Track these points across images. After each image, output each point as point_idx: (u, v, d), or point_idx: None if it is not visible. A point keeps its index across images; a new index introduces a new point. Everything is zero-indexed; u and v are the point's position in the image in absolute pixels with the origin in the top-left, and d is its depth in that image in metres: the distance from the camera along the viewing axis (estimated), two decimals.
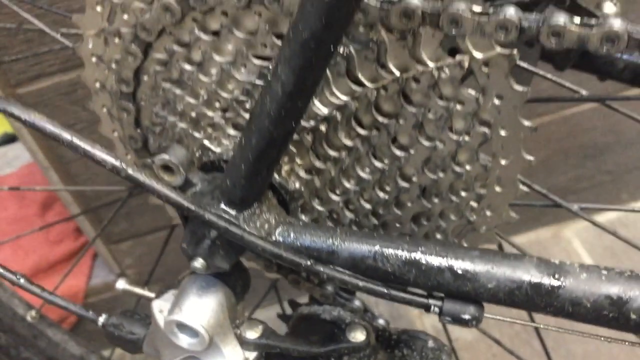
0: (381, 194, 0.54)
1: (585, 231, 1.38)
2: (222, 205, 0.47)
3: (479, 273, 0.46)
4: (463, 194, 0.54)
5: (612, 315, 0.44)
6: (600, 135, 1.26)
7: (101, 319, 0.64)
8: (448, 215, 0.56)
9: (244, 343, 0.55)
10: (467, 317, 0.47)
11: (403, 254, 0.47)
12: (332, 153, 0.52)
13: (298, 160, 0.52)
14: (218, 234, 0.47)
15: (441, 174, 0.53)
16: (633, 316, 0.43)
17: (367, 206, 0.55)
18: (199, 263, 0.49)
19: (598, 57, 0.64)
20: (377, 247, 0.47)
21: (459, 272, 0.46)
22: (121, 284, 0.60)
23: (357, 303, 0.66)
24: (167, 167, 0.49)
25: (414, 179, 0.53)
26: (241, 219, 0.47)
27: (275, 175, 0.52)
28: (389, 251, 0.47)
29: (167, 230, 1.13)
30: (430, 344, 0.60)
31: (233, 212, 0.47)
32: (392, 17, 0.44)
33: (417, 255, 0.46)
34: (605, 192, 1.35)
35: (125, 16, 0.53)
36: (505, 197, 0.54)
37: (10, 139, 1.75)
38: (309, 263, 0.47)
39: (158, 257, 0.90)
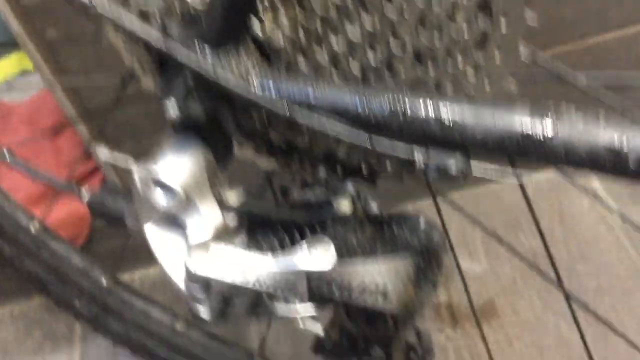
0: (371, 57, 0.51)
1: None
2: (197, 44, 0.44)
3: (467, 121, 0.42)
4: (459, 60, 0.51)
5: (608, 161, 0.40)
6: None
7: (85, 195, 0.62)
8: (444, 85, 0.53)
9: (223, 207, 0.53)
10: (453, 167, 0.44)
11: (388, 101, 0.44)
12: (319, 5, 0.48)
13: (283, 12, 0.49)
14: (191, 74, 0.45)
15: (436, 36, 0.49)
16: (631, 164, 0.40)
17: (356, 70, 0.52)
18: (172, 106, 0.46)
19: None
20: (360, 95, 0.44)
21: (445, 120, 0.43)
22: (103, 152, 0.58)
23: (350, 188, 0.64)
24: (143, 12, 0.46)
25: (407, 40, 0.50)
26: (215, 55, 0.44)
27: (259, 29, 0.49)
28: (373, 99, 0.44)
29: None
30: (422, 224, 0.57)
31: (206, 48, 0.44)
32: None
33: (402, 104, 0.43)
34: None
35: None
36: (505, 63, 0.51)
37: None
38: (286, 106, 0.44)
39: None
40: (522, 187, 0.68)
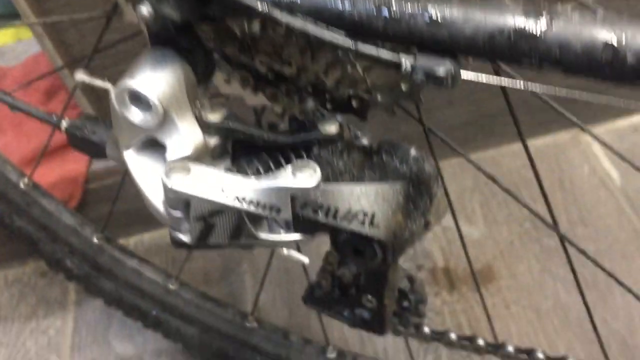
0: None
1: (606, 134, 1.30)
2: None
3: (455, 17, 0.40)
4: None
5: (605, 60, 0.38)
6: None
7: (64, 122, 0.60)
8: None
9: (203, 125, 0.50)
10: (442, 71, 0.41)
11: None
12: None
13: None
14: None
15: None
16: (630, 60, 0.37)
17: None
18: (145, 7, 0.44)
19: None
20: None
21: (434, 17, 0.40)
22: (80, 76, 0.56)
23: (338, 119, 0.61)
24: None
25: None
26: None
27: None
28: None
29: None
30: (413, 152, 0.55)
31: None
32: None
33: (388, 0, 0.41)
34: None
35: None
36: None
37: None
38: (265, 6, 0.42)
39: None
40: (525, 147, 0.65)
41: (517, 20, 0.39)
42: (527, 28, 0.39)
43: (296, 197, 0.48)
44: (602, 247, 1.14)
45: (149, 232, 1.35)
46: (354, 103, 0.59)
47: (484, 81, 0.42)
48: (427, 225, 0.56)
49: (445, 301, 1.14)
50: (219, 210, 0.49)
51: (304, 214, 0.49)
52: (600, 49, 0.38)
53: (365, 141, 0.60)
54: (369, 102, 0.57)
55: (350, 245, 0.53)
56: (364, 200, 0.50)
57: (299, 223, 0.50)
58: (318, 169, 0.48)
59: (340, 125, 0.52)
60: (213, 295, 0.99)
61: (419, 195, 0.53)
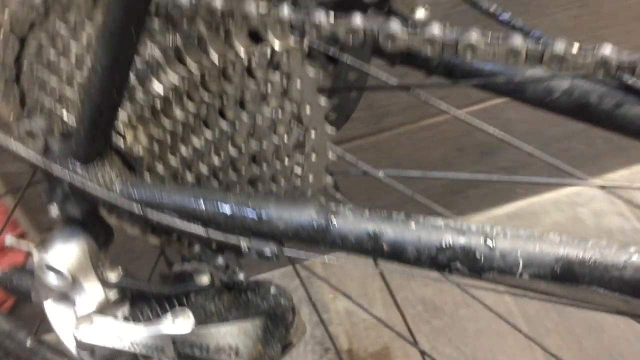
0: (216, 160, 0.66)
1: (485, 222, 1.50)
2: (69, 161, 0.59)
3: (273, 217, 0.57)
4: (286, 161, 0.66)
5: (370, 247, 0.55)
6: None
7: None
8: (278, 180, 0.68)
9: (105, 283, 0.66)
10: (268, 252, 0.58)
11: (215, 202, 0.59)
12: (169, 125, 0.63)
13: (141, 130, 0.64)
14: (68, 185, 0.59)
15: (265, 143, 0.65)
16: (385, 247, 0.55)
17: (205, 169, 0.66)
18: (54, 209, 0.60)
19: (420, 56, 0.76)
20: (198, 198, 0.59)
21: (259, 217, 0.57)
22: (9, 240, 0.71)
23: (219, 260, 0.78)
24: (30, 133, 0.61)
25: (243, 147, 0.65)
26: (86, 172, 0.59)
27: (122, 143, 0.64)
28: (207, 201, 0.59)
29: None
30: (272, 290, 0.71)
31: (77, 165, 0.59)
32: (201, 13, 0.56)
33: (227, 204, 0.58)
34: (502, 187, 1.48)
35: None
36: (320, 164, 0.66)
37: None
38: (139, 208, 0.58)
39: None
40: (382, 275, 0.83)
41: (313, 220, 0.56)
42: (320, 225, 0.56)
43: (176, 340, 0.64)
44: (481, 326, 1.33)
45: None
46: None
47: (303, 257, 0.60)
48: (287, 346, 0.72)
49: None
50: (118, 353, 0.64)
51: (184, 352, 0.65)
52: (366, 240, 0.55)
53: (241, 276, 0.76)
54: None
55: None
56: (229, 337, 0.66)
57: (180, 357, 0.66)
58: (192, 315, 0.64)
59: (212, 276, 0.68)
60: None
61: (275, 326, 0.70)
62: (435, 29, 0.53)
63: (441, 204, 0.78)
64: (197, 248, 0.78)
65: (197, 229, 0.60)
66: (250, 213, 0.58)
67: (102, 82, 0.53)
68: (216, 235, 0.60)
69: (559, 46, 0.50)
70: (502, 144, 0.77)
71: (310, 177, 0.68)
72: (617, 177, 1.53)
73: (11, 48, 0.66)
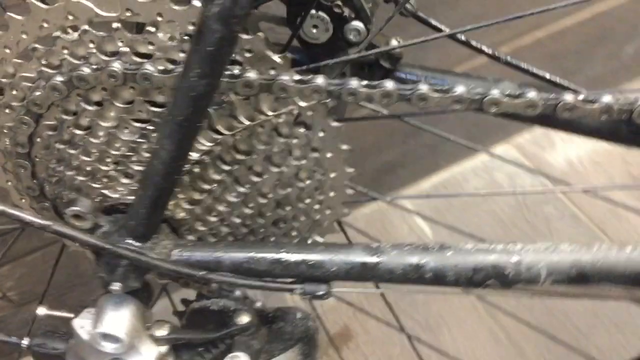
0: (247, 210, 0.71)
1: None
2: (129, 240, 0.62)
3: (324, 261, 0.64)
4: (308, 201, 0.72)
5: (415, 276, 0.64)
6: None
7: (24, 342, 0.75)
8: (299, 218, 0.74)
9: (156, 340, 0.70)
10: (321, 293, 0.65)
11: (269, 256, 0.64)
12: (206, 186, 0.67)
13: (181, 196, 0.68)
14: (129, 262, 0.62)
15: (289, 190, 0.71)
16: (428, 275, 0.64)
17: (238, 221, 0.71)
18: (116, 286, 0.63)
19: None
20: (251, 253, 0.64)
21: (310, 263, 0.64)
22: (42, 311, 0.72)
23: (237, 293, 0.83)
24: (77, 216, 0.63)
25: (270, 195, 0.71)
26: (145, 248, 0.62)
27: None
28: (259, 255, 0.64)
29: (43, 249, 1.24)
30: (299, 315, 0.78)
31: (138, 244, 0.62)
32: (237, 87, 0.60)
33: (280, 255, 0.64)
34: (425, 162, 1.61)
35: (15, 92, 0.65)
36: (338, 199, 0.73)
37: None
38: (201, 274, 0.63)
39: (50, 276, 1.00)
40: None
41: (361, 260, 0.64)
42: (367, 264, 0.64)
43: None
44: (428, 296, 1.46)
45: None
46: None
47: (352, 291, 0.67)
48: None
49: None
50: None
51: None
52: (410, 271, 0.64)
53: (259, 304, 0.82)
54: None
55: None
56: None
57: None
58: (247, 358, 0.69)
59: (251, 315, 0.74)
60: None
61: (310, 349, 0.77)
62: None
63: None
64: (214, 285, 0.82)
65: (255, 283, 0.65)
66: (302, 261, 0.64)
67: (165, 166, 0.56)
68: (273, 285, 0.65)
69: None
70: None
71: (328, 212, 0.75)
72: (523, 140, 1.72)
73: (24, 126, 0.67)
